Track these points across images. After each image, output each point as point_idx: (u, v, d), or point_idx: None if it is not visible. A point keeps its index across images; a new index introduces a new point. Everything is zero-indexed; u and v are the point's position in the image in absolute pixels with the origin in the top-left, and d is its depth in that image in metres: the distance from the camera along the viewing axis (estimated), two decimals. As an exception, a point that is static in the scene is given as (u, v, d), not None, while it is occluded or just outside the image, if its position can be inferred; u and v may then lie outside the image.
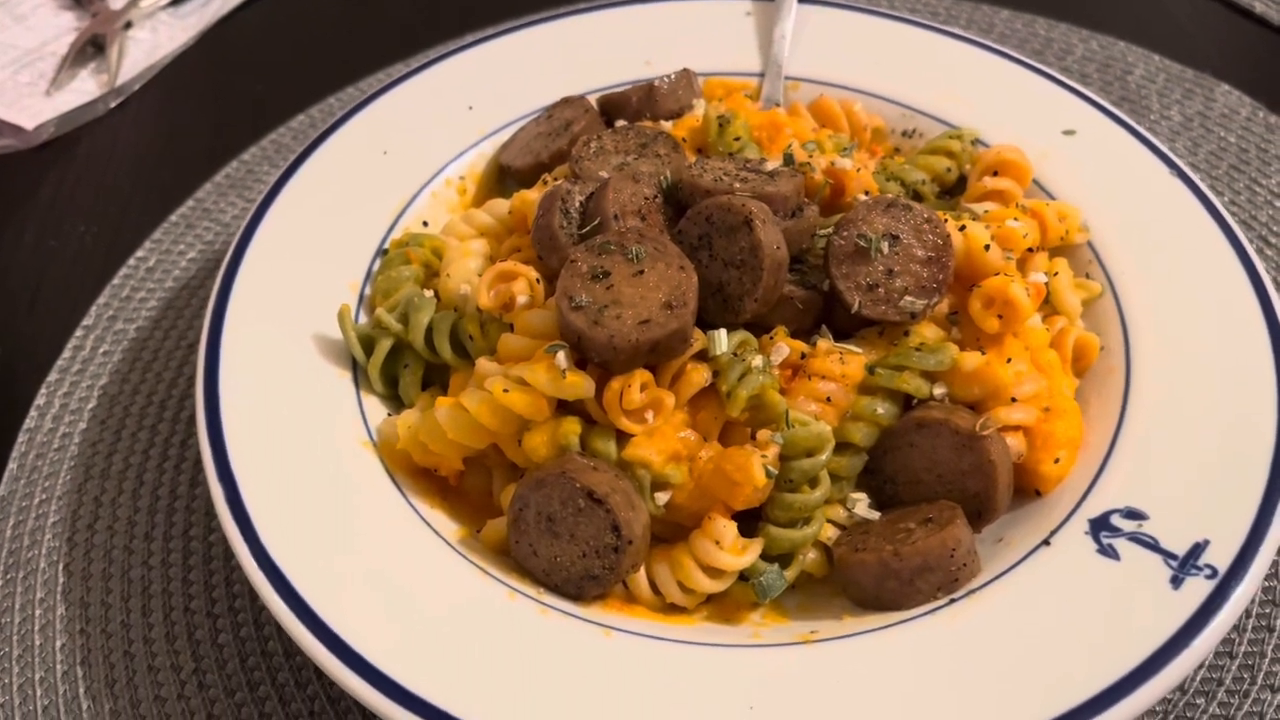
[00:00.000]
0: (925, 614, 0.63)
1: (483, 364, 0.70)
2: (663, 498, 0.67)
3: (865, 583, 0.65)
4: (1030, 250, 0.78)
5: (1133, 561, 0.63)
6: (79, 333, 0.89)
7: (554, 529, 0.66)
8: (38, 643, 0.72)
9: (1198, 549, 0.62)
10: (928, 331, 0.72)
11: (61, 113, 1.10)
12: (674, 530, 0.68)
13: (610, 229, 0.71)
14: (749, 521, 0.68)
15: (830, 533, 0.68)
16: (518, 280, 0.72)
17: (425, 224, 0.86)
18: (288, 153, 1.04)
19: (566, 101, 0.92)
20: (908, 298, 0.72)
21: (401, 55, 1.11)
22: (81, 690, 0.72)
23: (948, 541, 0.64)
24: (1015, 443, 0.69)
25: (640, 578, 0.67)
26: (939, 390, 0.71)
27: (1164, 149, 0.84)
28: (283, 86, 1.16)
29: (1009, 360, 0.71)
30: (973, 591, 0.64)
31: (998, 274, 0.72)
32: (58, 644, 0.72)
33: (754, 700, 0.58)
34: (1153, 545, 0.63)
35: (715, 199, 0.71)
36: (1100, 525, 0.66)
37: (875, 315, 0.71)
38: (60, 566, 0.76)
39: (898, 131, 0.93)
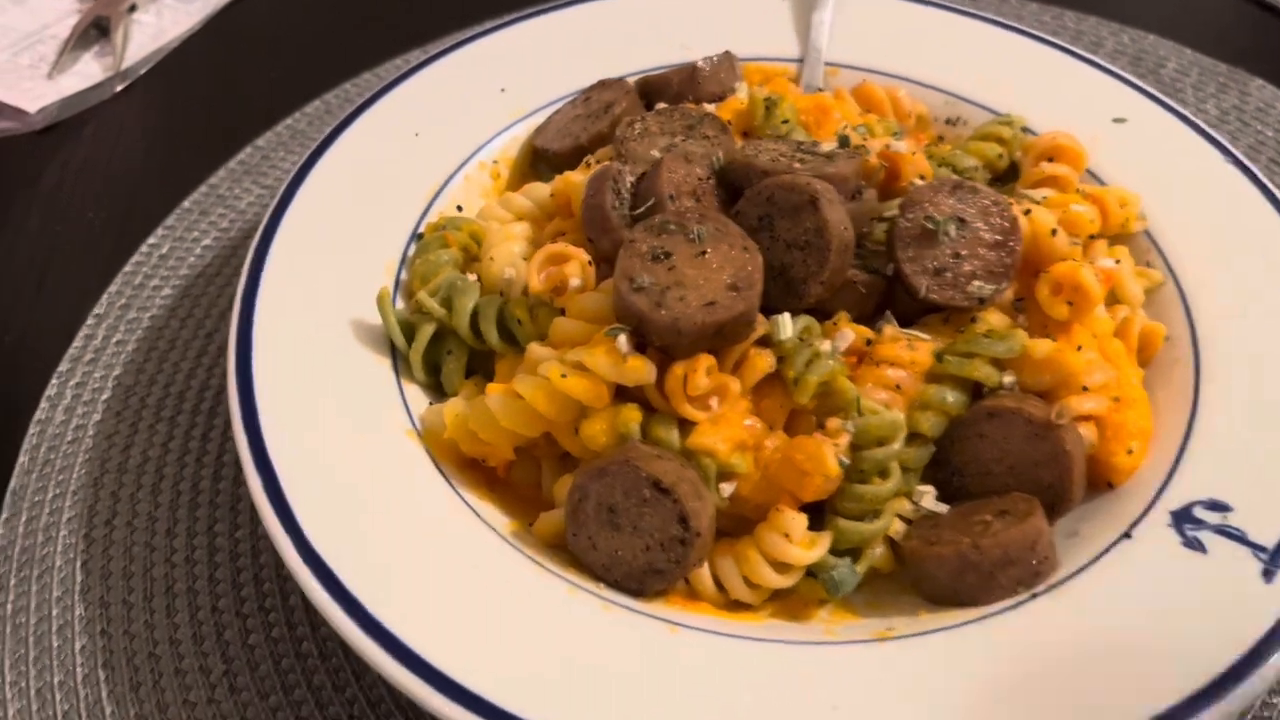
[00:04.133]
0: (1006, 610, 0.61)
1: (535, 349, 0.68)
2: (728, 488, 0.65)
3: (941, 577, 0.62)
4: (1091, 237, 0.77)
5: (1220, 554, 0.61)
6: (90, 321, 0.85)
7: (615, 521, 0.64)
8: (56, 644, 0.68)
9: None
10: (994, 319, 0.70)
11: (64, 96, 1.07)
12: (737, 524, 0.66)
13: (666, 209, 0.69)
14: (813, 515, 0.66)
15: (897, 526, 0.67)
16: (570, 263, 0.70)
17: (460, 208, 0.84)
18: (304, 138, 1.00)
19: (604, 84, 0.90)
20: (976, 282, 0.70)
21: (420, 41, 1.09)
22: (104, 694, 0.68)
23: (1029, 533, 0.62)
24: (1087, 433, 0.67)
25: (704, 573, 0.64)
26: (1008, 379, 0.69)
27: (1217, 136, 0.84)
28: (295, 72, 1.13)
29: (1079, 348, 0.70)
30: (1054, 586, 0.62)
31: (1065, 259, 0.72)
32: (77, 645, 0.68)
33: (837, 700, 0.56)
34: (1240, 538, 0.62)
35: (777, 178, 0.69)
36: (1183, 517, 0.64)
37: (943, 300, 0.69)
38: (78, 564, 0.71)
39: (941, 119, 0.93)
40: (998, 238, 0.70)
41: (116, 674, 0.69)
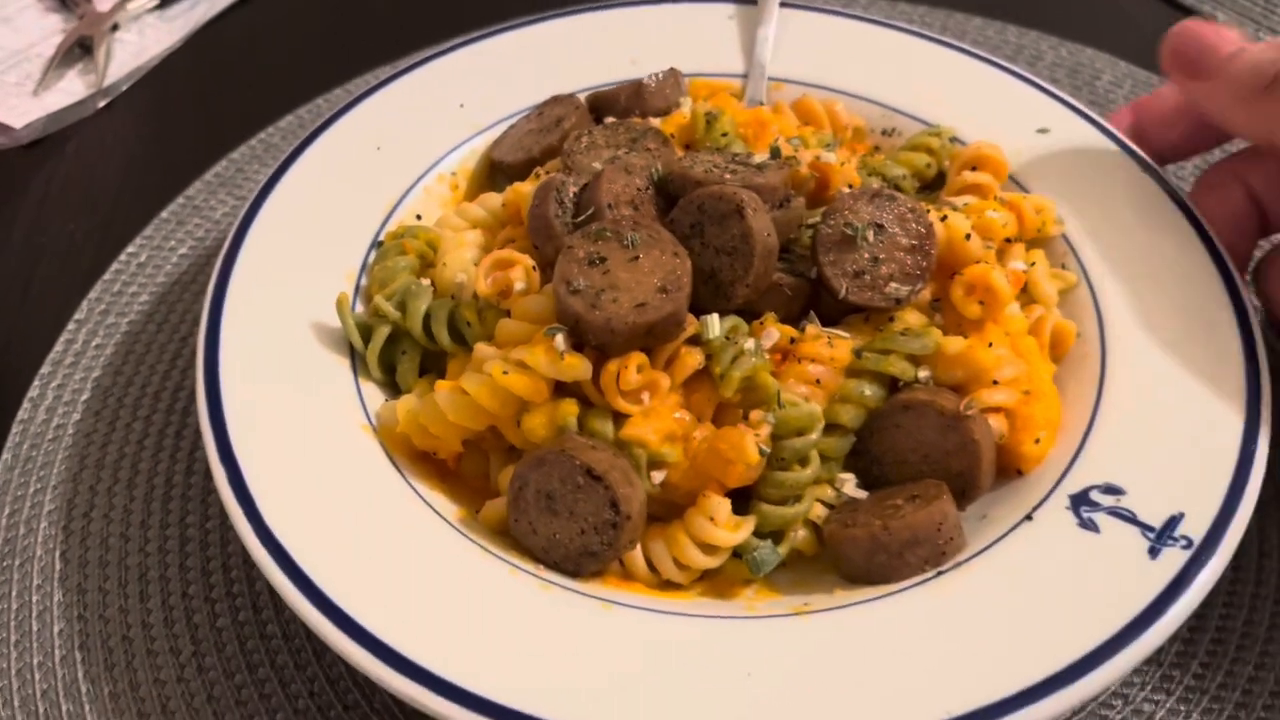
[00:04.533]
0: (914, 586, 0.65)
1: (481, 348, 0.72)
2: (658, 476, 0.69)
3: (856, 557, 0.67)
4: (1008, 241, 0.81)
5: (1112, 534, 0.65)
6: (71, 326, 0.89)
7: (553, 507, 0.68)
8: (35, 628, 0.72)
9: (1173, 521, 0.65)
10: (911, 318, 0.74)
11: (49, 112, 1.11)
12: (669, 509, 0.69)
13: (604, 217, 0.74)
14: (740, 501, 0.70)
15: (819, 511, 0.71)
16: (515, 268, 0.75)
17: (419, 217, 0.88)
18: (277, 152, 1.05)
19: (556, 100, 0.95)
20: (893, 284, 0.74)
21: (389, 58, 1.14)
22: (80, 674, 0.72)
23: (935, 516, 0.66)
24: (997, 424, 0.71)
25: (637, 555, 0.68)
26: (923, 373, 0.73)
27: (1132, 146, 0.88)
28: (270, 88, 1.17)
29: (990, 344, 0.74)
30: (959, 564, 0.66)
31: (978, 262, 0.76)
32: (56, 629, 0.71)
33: (751, 668, 0.60)
34: (1130, 518, 0.66)
35: (707, 188, 0.73)
36: (1080, 500, 0.68)
37: (862, 301, 0.73)
38: (57, 554, 0.75)
39: (878, 130, 0.96)
40: (913, 242, 0.75)
41: (92, 655, 0.73)
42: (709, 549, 0.68)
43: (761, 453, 0.68)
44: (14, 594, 0.75)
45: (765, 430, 0.69)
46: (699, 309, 0.71)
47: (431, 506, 0.71)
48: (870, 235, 0.75)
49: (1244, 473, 0.65)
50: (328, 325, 0.79)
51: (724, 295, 0.72)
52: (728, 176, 0.75)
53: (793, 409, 0.69)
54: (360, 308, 0.81)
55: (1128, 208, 0.84)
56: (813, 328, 0.73)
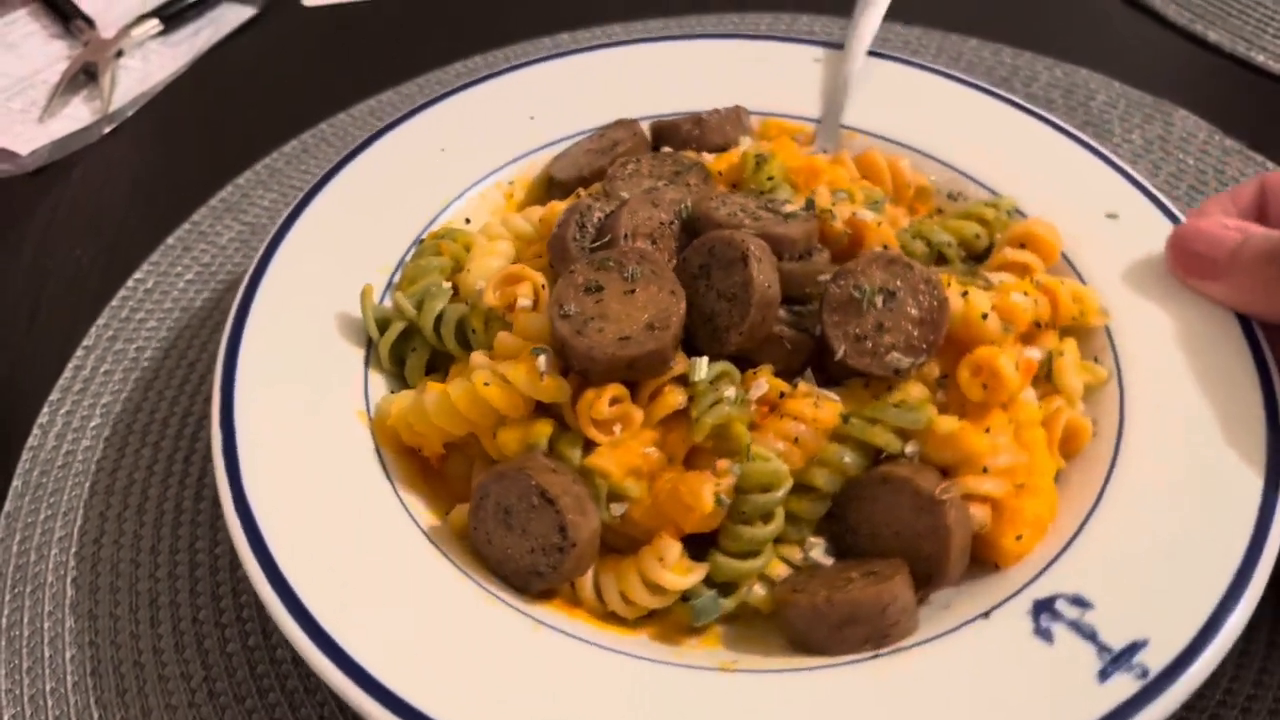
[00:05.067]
0: (848, 664, 0.68)
1: (476, 357, 0.79)
2: (618, 509, 0.74)
3: (797, 624, 0.70)
4: (1038, 326, 0.82)
5: (1065, 648, 0.66)
6: (79, 353, 0.95)
7: (509, 521, 0.73)
8: (48, 655, 0.81)
9: (1135, 647, 0.64)
10: (914, 390, 0.77)
11: (55, 139, 1.19)
12: (629, 543, 0.76)
13: (618, 247, 0.79)
14: (707, 547, 0.75)
15: (781, 571, 0.75)
16: (523, 284, 0.81)
17: (468, 221, 0.96)
18: (282, 176, 1.13)
19: (620, 123, 1.01)
20: (894, 354, 0.76)
21: (392, 82, 1.23)
22: (92, 700, 0.78)
23: (882, 596, 0.68)
24: (980, 513, 0.74)
25: (585, 582, 0.74)
26: (910, 449, 0.76)
27: None
28: (275, 113, 1.30)
29: (987, 430, 0.76)
30: (899, 650, 0.68)
31: (991, 344, 0.77)
32: (68, 655, 0.81)
33: (658, 714, 0.65)
34: (1090, 635, 0.66)
35: (719, 232, 0.79)
36: (1043, 607, 0.68)
37: (859, 366, 0.76)
38: (68, 580, 0.85)
39: (944, 192, 0.98)
40: (924, 315, 0.76)
41: (104, 681, 0.79)
42: (657, 589, 0.73)
43: (721, 502, 0.72)
44: (25, 620, 0.83)
45: (728, 481, 0.73)
46: (695, 350, 0.76)
47: (404, 503, 0.77)
48: (879, 301, 0.77)
49: (1226, 608, 0.65)
50: (354, 316, 0.86)
51: (719, 340, 0.76)
52: (748, 221, 0.80)
53: (759, 464, 0.73)
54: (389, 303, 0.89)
55: (1182, 310, 0.83)
56: (804, 385, 0.77)
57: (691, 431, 0.74)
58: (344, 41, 1.40)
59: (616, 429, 0.75)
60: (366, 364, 0.84)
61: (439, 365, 0.85)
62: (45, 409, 0.97)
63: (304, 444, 0.76)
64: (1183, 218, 0.88)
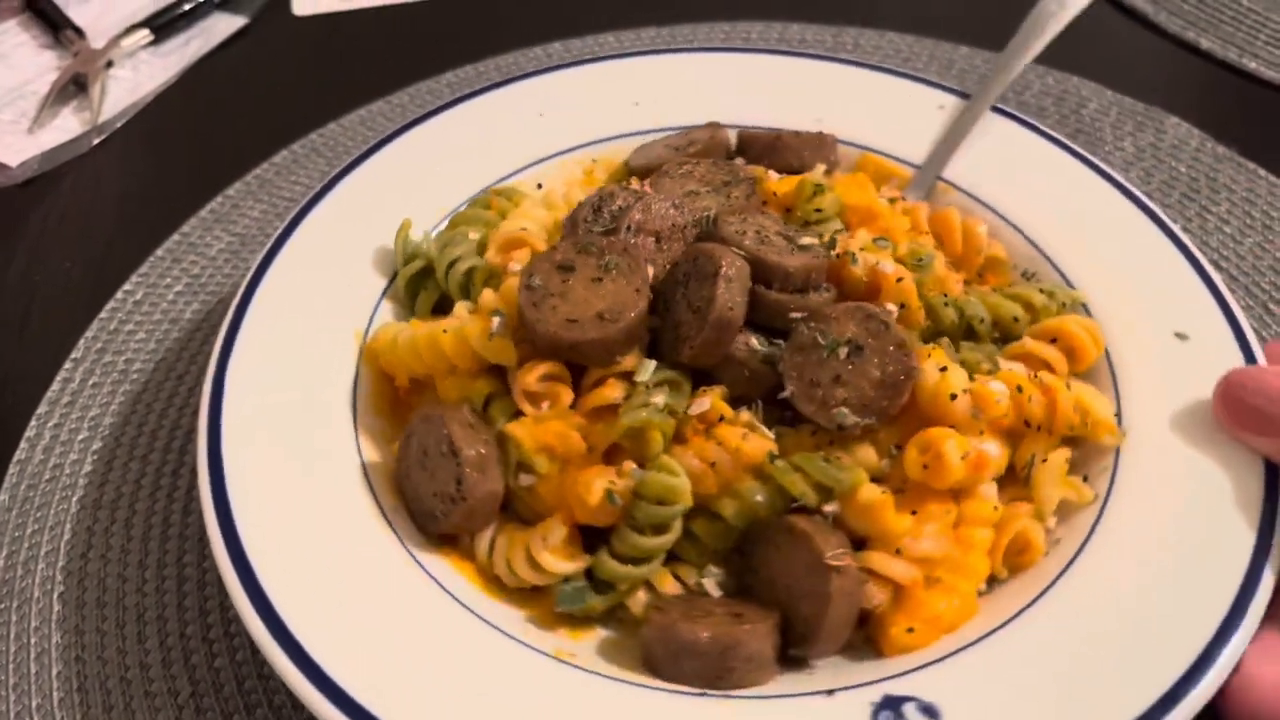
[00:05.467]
0: (671, 692, 0.69)
1: (458, 307, 0.86)
2: (527, 480, 0.78)
3: (646, 640, 0.73)
4: (1028, 425, 0.80)
5: None
6: (68, 365, 0.96)
7: (424, 463, 0.78)
8: (34, 670, 0.84)
9: None
10: (860, 452, 0.77)
11: (45, 150, 1.20)
12: (535, 518, 0.80)
13: (613, 238, 0.82)
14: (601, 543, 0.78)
15: (671, 588, 0.77)
16: (522, 249, 0.87)
17: (539, 186, 1.01)
18: (272, 187, 1.14)
19: (709, 125, 1.05)
20: (843, 409, 0.75)
21: (382, 93, 1.23)
22: (79, 717, 0.80)
23: (725, 640, 0.69)
24: (878, 593, 0.74)
25: (483, 540, 0.79)
26: (830, 508, 0.75)
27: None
28: (265, 123, 1.33)
29: (914, 512, 0.75)
30: (725, 697, 0.69)
31: (948, 427, 0.76)
32: (54, 671, 0.81)
33: (475, 678, 0.69)
34: None
35: (706, 244, 0.81)
36: (890, 704, 0.68)
37: (804, 411, 0.77)
38: (54, 595, 0.84)
39: (1020, 268, 0.96)
40: (886, 378, 0.75)
41: (91, 697, 0.80)
42: (536, 566, 0.77)
43: (613, 501, 0.75)
44: (12, 636, 0.84)
45: (626, 483, 0.75)
46: (659, 354, 0.79)
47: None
48: (843, 353, 0.76)
49: None
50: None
51: (676, 349, 0.79)
52: (747, 243, 0.80)
53: (661, 475, 0.75)
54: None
55: (1208, 450, 0.77)
56: (745, 415, 0.78)
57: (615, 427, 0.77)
58: (335, 51, 1.41)
59: (545, 405, 0.79)
60: (381, 298, 0.89)
61: (448, 309, 0.89)
62: (33, 423, 0.98)
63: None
64: (1258, 352, 0.82)
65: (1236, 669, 0.67)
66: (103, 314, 1.08)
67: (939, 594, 0.73)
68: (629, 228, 0.82)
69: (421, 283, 0.92)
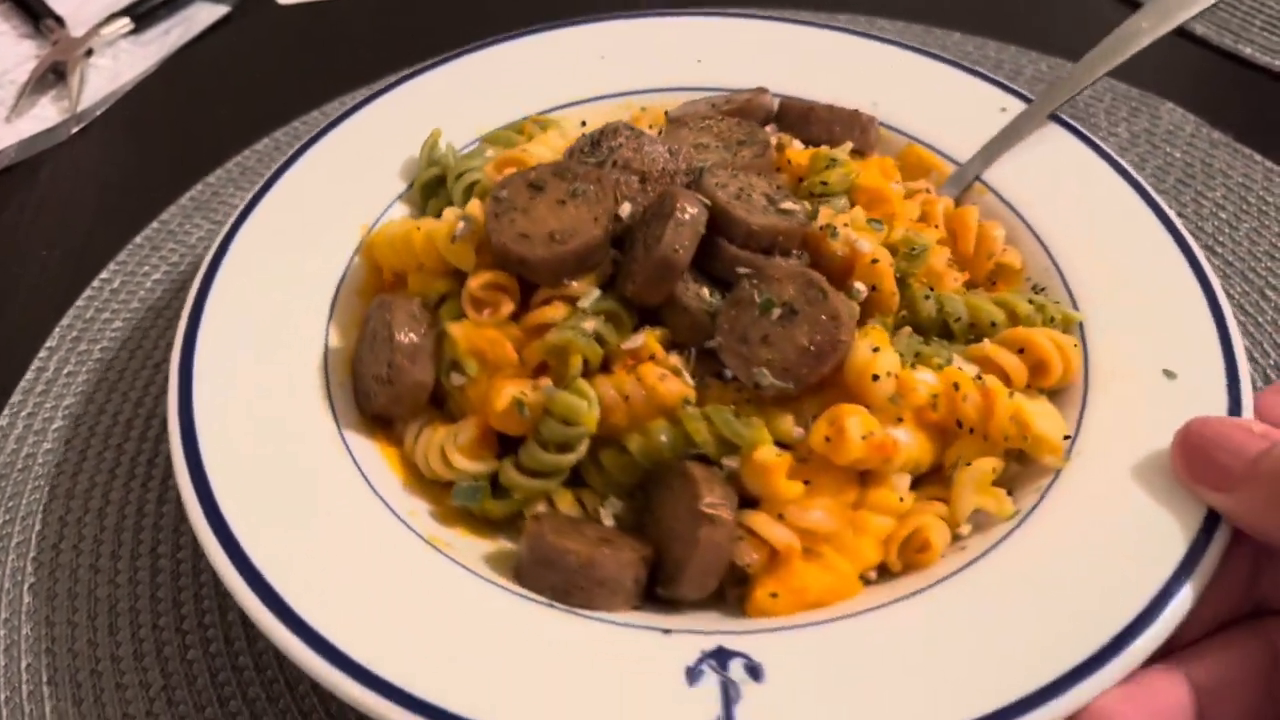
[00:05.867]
0: (519, 595, 0.73)
1: (446, 211, 0.92)
2: (457, 379, 0.86)
3: (521, 544, 0.78)
4: (960, 426, 0.80)
5: (697, 694, 0.66)
6: (42, 354, 0.96)
7: (373, 344, 0.86)
8: (2, 663, 0.89)
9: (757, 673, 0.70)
10: (779, 418, 0.78)
11: (22, 138, 1.22)
12: (463, 416, 0.84)
13: (602, 167, 0.86)
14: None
15: (568, 507, 0.82)
16: (514, 168, 0.94)
17: (584, 123, 1.05)
18: (253, 174, 1.16)
19: (757, 89, 1.09)
20: (762, 369, 0.78)
21: (364, 81, 1.22)
22: (48, 709, 0.82)
23: (582, 558, 0.73)
24: (751, 551, 0.77)
25: (411, 429, 0.86)
26: (730, 462, 0.79)
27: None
28: (245, 112, 1.48)
29: (807, 482, 0.78)
30: (567, 612, 0.73)
31: (862, 409, 0.78)
32: (23, 664, 0.79)
33: (349, 542, 0.74)
34: (727, 702, 0.65)
35: (672, 188, 0.85)
36: (718, 655, 0.69)
37: (727, 364, 0.81)
38: (25, 587, 0.83)
39: (1032, 280, 0.96)
40: (813, 348, 0.78)
41: (60, 690, 0.85)
42: (447, 463, 0.84)
43: (521, 410, 0.80)
44: None
45: (536, 396, 0.81)
46: (615, 288, 0.85)
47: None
48: (775, 314, 0.79)
49: None
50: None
51: (623, 284, 0.84)
52: (721, 195, 0.82)
53: (566, 395, 0.80)
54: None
55: (1157, 494, 0.74)
56: (674, 358, 0.82)
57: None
58: (318, 40, 1.44)
59: (487, 312, 0.85)
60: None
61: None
62: (6, 412, 1.01)
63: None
64: (1248, 399, 0.79)
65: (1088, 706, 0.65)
66: (79, 302, 1.16)
67: (814, 568, 0.78)
68: (614, 163, 0.90)
69: (435, 190, 1.04)
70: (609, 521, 0.82)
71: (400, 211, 1.00)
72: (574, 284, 0.83)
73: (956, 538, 0.79)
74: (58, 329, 1.09)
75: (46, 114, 1.37)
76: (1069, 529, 0.76)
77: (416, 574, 0.75)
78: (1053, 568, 0.73)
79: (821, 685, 0.69)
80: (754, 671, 0.68)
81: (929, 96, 1.10)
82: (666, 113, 1.10)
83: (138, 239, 1.19)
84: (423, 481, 0.87)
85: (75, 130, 1.34)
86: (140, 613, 0.88)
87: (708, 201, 0.82)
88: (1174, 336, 0.86)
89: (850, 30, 1.17)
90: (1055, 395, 0.86)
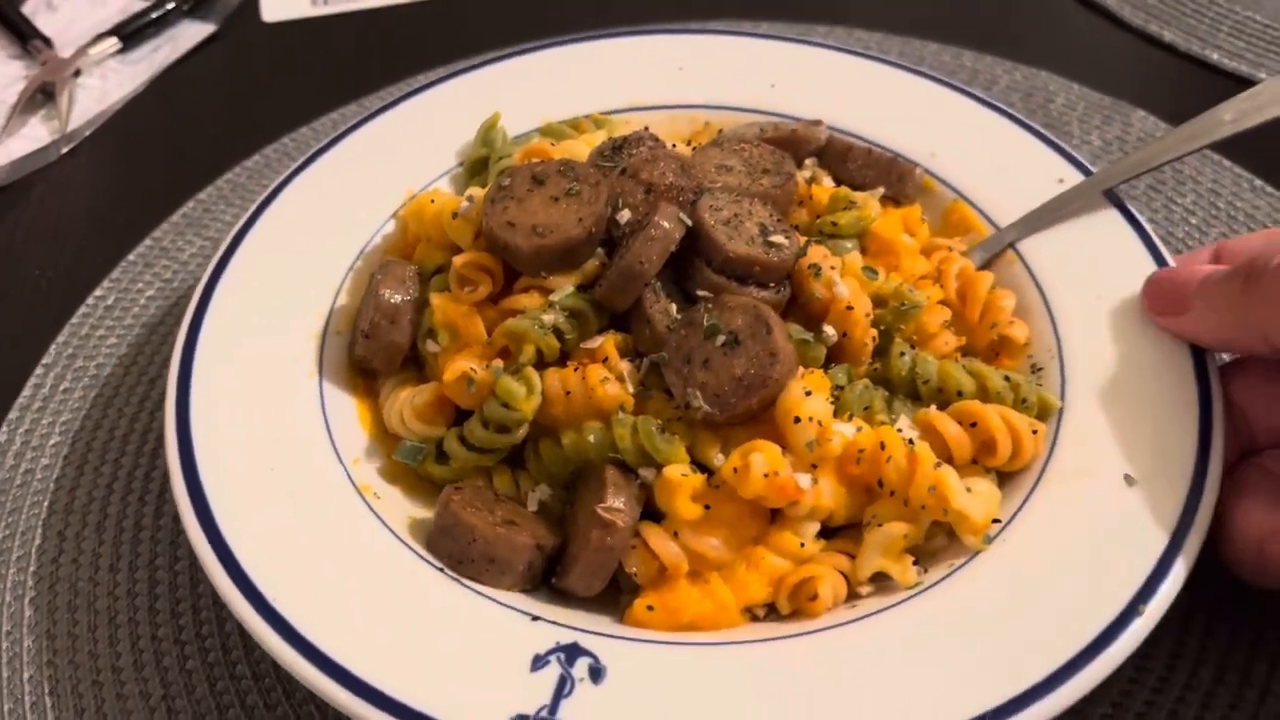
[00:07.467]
0: (416, 555, 0.76)
1: (474, 189, 0.94)
2: (432, 347, 0.92)
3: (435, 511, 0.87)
4: (882, 488, 0.81)
5: (538, 678, 0.69)
6: (39, 370, 0.98)
7: (368, 300, 0.91)
8: (5, 675, 0.84)
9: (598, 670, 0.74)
10: (705, 443, 0.80)
11: (13, 159, 1.25)
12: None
13: (611, 170, 0.89)
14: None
15: (503, 485, 0.84)
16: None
17: (645, 128, 1.05)
18: (244, 191, 1.18)
19: (811, 121, 1.09)
20: (695, 391, 0.80)
21: (353, 97, 1.22)
22: None
23: (477, 533, 0.76)
24: (640, 562, 0.78)
25: (386, 386, 0.91)
26: (646, 473, 0.80)
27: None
28: (236, 129, 1.45)
29: (707, 506, 0.80)
30: (458, 580, 0.76)
31: (776, 448, 0.79)
32: (25, 676, 0.79)
33: (289, 474, 0.81)
34: (560, 693, 0.68)
35: (661, 204, 0.86)
36: (568, 650, 0.71)
37: (667, 381, 0.83)
38: (25, 600, 0.83)
39: (1034, 359, 0.93)
40: (746, 381, 0.79)
41: (62, 701, 0.91)
42: (403, 423, 0.89)
43: (469, 385, 0.83)
44: None
45: (485, 375, 0.84)
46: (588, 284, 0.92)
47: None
48: (719, 340, 0.81)
49: None
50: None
51: (597, 284, 0.89)
52: (707, 218, 0.84)
53: (509, 381, 0.82)
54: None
55: (1057, 595, 0.75)
56: (624, 365, 0.84)
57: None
58: (305, 57, 1.46)
59: (468, 289, 0.89)
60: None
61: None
62: (4, 428, 1.01)
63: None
64: (1207, 505, 0.76)
65: (1223, 520, 0.75)
66: (74, 319, 1.17)
67: (696, 591, 0.79)
68: (623, 170, 0.93)
69: (480, 170, 1.09)
70: (533, 506, 0.86)
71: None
72: (552, 278, 0.87)
73: (857, 595, 0.78)
74: (54, 346, 1.11)
75: (36, 134, 1.39)
76: (958, 611, 0.74)
77: (342, 520, 0.78)
78: (924, 644, 0.71)
79: (654, 699, 0.70)
80: (596, 673, 0.71)
81: (987, 155, 1.06)
82: (720, 130, 1.11)
83: (131, 256, 1.21)
84: (388, 437, 0.90)
85: (65, 150, 1.36)
86: (139, 624, 0.90)
87: (689, 221, 0.83)
88: (1151, 444, 0.82)
89: (927, 75, 1.14)
90: (1009, 479, 0.84)
